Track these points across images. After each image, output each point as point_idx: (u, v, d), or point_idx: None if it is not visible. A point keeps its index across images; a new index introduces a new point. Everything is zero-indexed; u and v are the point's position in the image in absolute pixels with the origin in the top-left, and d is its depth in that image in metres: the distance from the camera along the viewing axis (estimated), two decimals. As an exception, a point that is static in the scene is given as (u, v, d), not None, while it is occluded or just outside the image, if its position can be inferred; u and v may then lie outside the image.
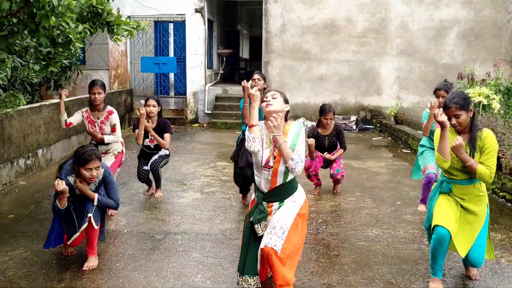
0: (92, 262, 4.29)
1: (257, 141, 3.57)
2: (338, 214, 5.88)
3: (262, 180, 3.68)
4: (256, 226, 3.64)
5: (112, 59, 14.58)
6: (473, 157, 3.74)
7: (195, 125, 14.05)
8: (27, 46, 5.89)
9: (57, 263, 4.35)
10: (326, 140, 6.55)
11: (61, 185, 3.99)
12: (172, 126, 13.33)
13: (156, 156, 6.39)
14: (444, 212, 3.85)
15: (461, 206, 3.89)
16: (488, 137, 3.74)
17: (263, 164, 3.60)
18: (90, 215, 4.15)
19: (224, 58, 17.08)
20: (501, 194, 6.69)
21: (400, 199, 6.57)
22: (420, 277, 4.17)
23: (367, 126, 13.73)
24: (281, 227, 3.55)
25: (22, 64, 7.05)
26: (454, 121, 3.74)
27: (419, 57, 13.71)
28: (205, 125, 14.01)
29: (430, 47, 13.66)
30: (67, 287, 3.91)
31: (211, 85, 14.97)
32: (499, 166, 6.85)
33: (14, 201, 6.30)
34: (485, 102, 8.16)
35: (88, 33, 5.69)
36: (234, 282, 4.02)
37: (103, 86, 5.78)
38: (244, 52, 24.98)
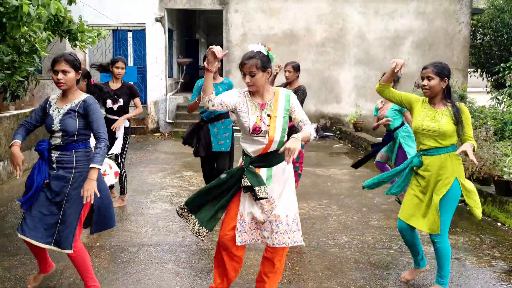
0: None
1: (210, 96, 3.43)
2: (308, 221, 6.00)
3: (251, 145, 3.51)
4: (257, 188, 3.37)
5: (70, 68, 14.33)
6: (462, 128, 3.86)
7: (156, 134, 13.98)
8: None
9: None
10: None
11: None
12: (132, 135, 13.28)
13: (118, 143, 6.13)
14: (408, 202, 4.08)
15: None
16: (465, 109, 3.91)
17: (250, 131, 3.44)
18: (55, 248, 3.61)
19: (184, 67, 17.08)
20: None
21: (365, 205, 6.76)
22: (392, 282, 4.32)
23: (328, 134, 14.01)
24: (293, 220, 3.51)
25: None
26: (425, 82, 3.91)
27: (376, 65, 14.11)
28: (166, 134, 13.95)
29: (386, 56, 14.08)
30: (43, 304, 3.87)
31: (172, 94, 14.95)
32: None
33: (-23, 216, 6.13)
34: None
35: (50, 40, 5.64)
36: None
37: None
38: (203, 61, 25.00)
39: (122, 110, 6.29)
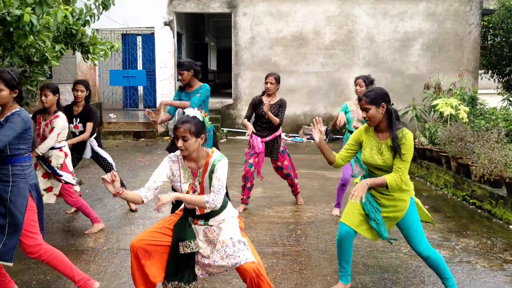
0: None
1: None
2: (316, 225, 5.95)
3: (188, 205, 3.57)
4: (180, 243, 3.47)
5: (80, 73, 14.42)
6: (399, 155, 3.74)
7: (166, 138, 13.98)
8: (1, 65, 5.81)
9: (37, 284, 4.28)
10: (266, 108, 6.18)
11: None
12: (142, 139, 13.31)
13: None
14: (349, 209, 4.03)
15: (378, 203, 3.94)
16: (407, 139, 3.74)
17: None
18: None
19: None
20: (471, 201, 6.90)
21: (375, 208, 6.69)
22: (401, 285, 4.27)
23: (337, 136, 13.93)
24: (239, 240, 3.47)
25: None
26: (363, 114, 3.83)
27: (386, 68, 14.03)
28: (176, 138, 13.95)
29: (395, 58, 14.00)
30: (50, 308, 3.86)
31: (181, 98, 14.95)
32: (468, 174, 7.08)
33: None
34: (453, 112, 8.42)
35: (63, 53, 5.66)
36: (219, 297, 4.03)
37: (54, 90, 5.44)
38: (212, 64, 25.04)
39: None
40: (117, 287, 4.20)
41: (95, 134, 6.25)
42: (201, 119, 3.47)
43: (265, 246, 5.19)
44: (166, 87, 14.21)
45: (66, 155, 5.45)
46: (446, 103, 8.49)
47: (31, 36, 4.65)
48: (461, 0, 13.79)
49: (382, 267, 4.69)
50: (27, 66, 5.32)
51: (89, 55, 5.99)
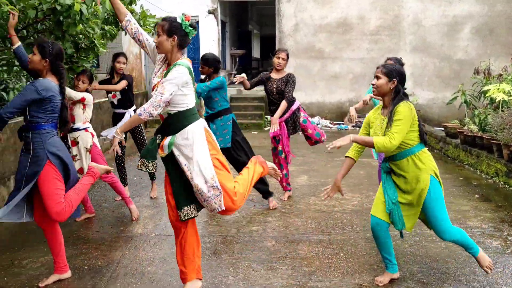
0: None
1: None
2: (362, 213, 5.89)
3: None
4: (141, 160, 3.61)
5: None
6: (390, 122, 3.74)
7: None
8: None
9: (89, 269, 4.41)
10: (274, 84, 6.11)
11: None
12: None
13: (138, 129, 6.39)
14: (376, 200, 4.03)
15: (399, 188, 3.92)
16: (400, 107, 3.74)
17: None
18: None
19: (237, 59, 17.13)
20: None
21: (422, 197, 6.57)
22: (451, 276, 4.18)
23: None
24: (212, 186, 3.52)
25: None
26: (374, 81, 3.86)
27: (433, 53, 13.67)
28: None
29: (444, 43, 13.62)
30: (102, 292, 3.98)
31: (225, 86, 15.02)
32: (510, 159, 6.84)
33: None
34: (505, 98, 8.12)
35: (113, 34, 5.78)
36: (267, 285, 4.06)
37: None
38: (256, 52, 25.03)
39: (124, 103, 6.38)
40: (165, 273, 4.29)
41: (134, 107, 6.46)
42: (179, 21, 3.51)
43: (311, 235, 5.18)
44: (210, 75, 14.30)
45: (92, 135, 5.56)
46: (498, 89, 8.20)
47: (81, 24, 4.75)
48: (514, -19, 13.26)
49: (431, 257, 4.60)
50: (74, 52, 5.47)
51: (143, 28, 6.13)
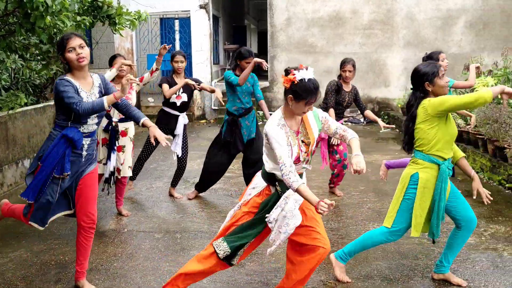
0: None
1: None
2: (340, 209, 5.83)
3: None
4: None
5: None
6: None
7: (202, 121, 14.05)
8: (28, 44, 5.92)
9: (55, 264, 4.36)
10: (346, 97, 6.19)
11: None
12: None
13: (178, 143, 6.00)
14: (419, 218, 3.79)
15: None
16: None
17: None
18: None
19: (231, 54, 17.05)
20: (507, 185, 6.59)
21: (404, 192, 6.50)
22: (419, 273, 4.12)
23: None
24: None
25: (22, 65, 7.10)
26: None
27: (426, 47, 13.51)
28: (212, 121, 14.00)
29: (437, 37, 13.51)
30: (64, 288, 3.93)
31: (218, 81, 14.96)
32: (504, 157, 6.76)
33: (19, 202, 6.33)
34: (490, 92, 8.02)
35: (88, 25, 5.71)
36: (231, 281, 4.00)
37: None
38: (253, 47, 24.92)
39: (185, 106, 6.07)
40: (131, 268, 4.24)
41: (188, 110, 6.34)
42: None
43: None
44: (202, 70, 14.22)
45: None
46: (484, 84, 8.11)
47: (48, 17, 4.68)
48: (508, -26, 13.12)
49: (402, 253, 4.54)
50: (50, 47, 5.39)
51: (116, 26, 6.07)
